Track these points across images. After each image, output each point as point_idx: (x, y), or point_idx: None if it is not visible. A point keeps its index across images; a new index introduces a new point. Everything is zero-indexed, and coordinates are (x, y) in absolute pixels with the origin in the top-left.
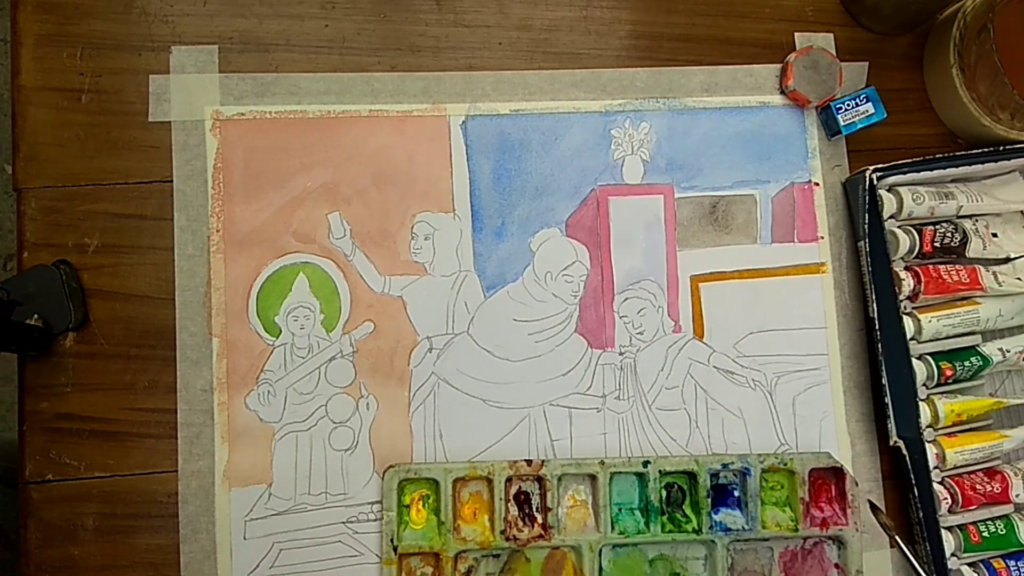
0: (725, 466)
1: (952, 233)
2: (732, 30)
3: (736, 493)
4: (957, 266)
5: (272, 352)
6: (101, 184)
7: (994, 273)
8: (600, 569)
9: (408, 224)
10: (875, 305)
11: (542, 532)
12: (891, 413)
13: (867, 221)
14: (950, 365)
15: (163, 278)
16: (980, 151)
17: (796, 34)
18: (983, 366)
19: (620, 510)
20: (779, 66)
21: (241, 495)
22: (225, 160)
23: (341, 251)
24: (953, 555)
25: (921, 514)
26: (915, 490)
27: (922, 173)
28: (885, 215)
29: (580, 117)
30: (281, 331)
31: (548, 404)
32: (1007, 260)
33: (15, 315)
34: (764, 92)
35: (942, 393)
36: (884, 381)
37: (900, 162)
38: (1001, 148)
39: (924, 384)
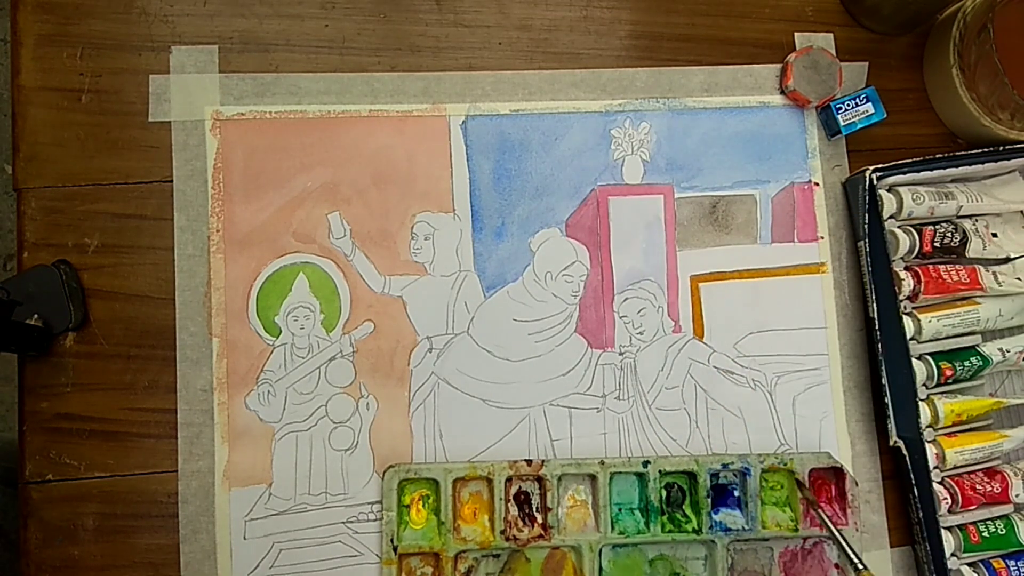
0: (725, 466)
1: (952, 233)
2: (732, 30)
3: (736, 493)
4: (957, 266)
5: (272, 352)
6: (101, 184)
7: (994, 273)
8: (600, 569)
9: (408, 224)
10: (875, 305)
11: (542, 532)
12: (891, 413)
13: (867, 221)
14: (950, 365)
15: (163, 278)
16: (980, 151)
17: (796, 34)
18: (983, 366)
19: (620, 510)
20: (779, 66)
21: (241, 495)
22: (225, 160)
23: (341, 251)
24: (953, 555)
25: (921, 514)
26: (915, 490)
27: (922, 173)
28: (885, 215)
29: (580, 117)
30: (281, 331)
31: (548, 404)
32: (1007, 260)
33: (15, 315)
34: (764, 92)
35: (942, 393)
36: (884, 381)
37: (900, 162)
38: (1001, 148)
39: (924, 384)
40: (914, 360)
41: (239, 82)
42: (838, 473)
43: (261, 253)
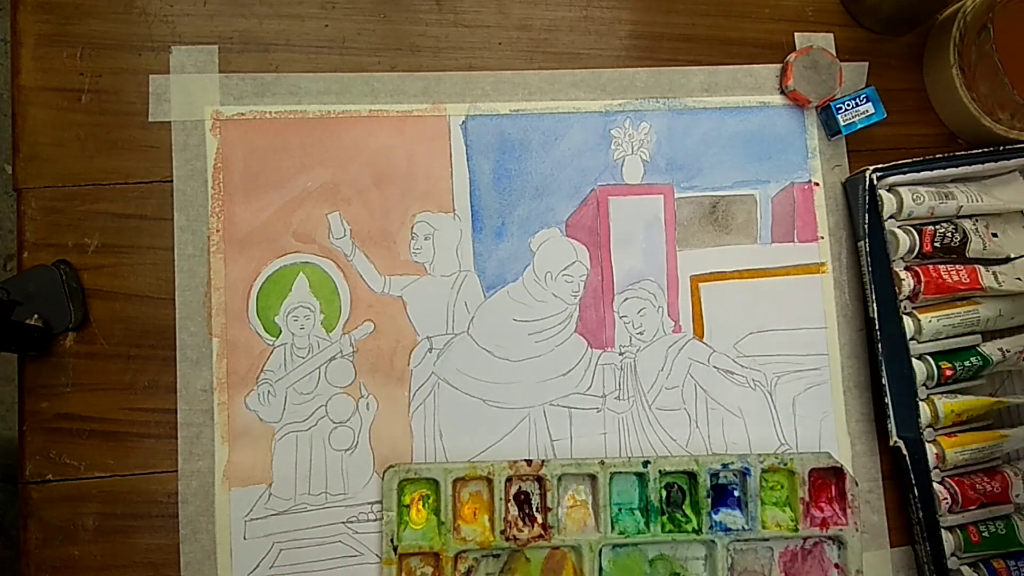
0: (725, 466)
1: (952, 233)
2: (732, 30)
3: (736, 493)
4: (957, 266)
5: (272, 352)
6: (101, 184)
7: (994, 273)
8: (600, 569)
9: (408, 224)
10: (875, 305)
11: (542, 532)
12: (891, 413)
13: (867, 221)
14: (950, 365)
15: (163, 278)
16: (980, 151)
17: (796, 34)
18: (983, 366)
19: (620, 510)
20: (779, 66)
21: (241, 495)
22: (225, 160)
23: (341, 251)
24: (953, 555)
25: (921, 514)
26: (915, 490)
27: (922, 173)
28: (885, 215)
29: (580, 117)
30: (281, 331)
31: (548, 404)
32: (1007, 260)
33: (15, 315)
34: (764, 92)
35: (942, 393)
36: (884, 381)
37: (900, 162)
38: (1001, 148)
39: (924, 384)
40: (914, 360)
41: (239, 82)
42: (838, 473)
43: (261, 253)
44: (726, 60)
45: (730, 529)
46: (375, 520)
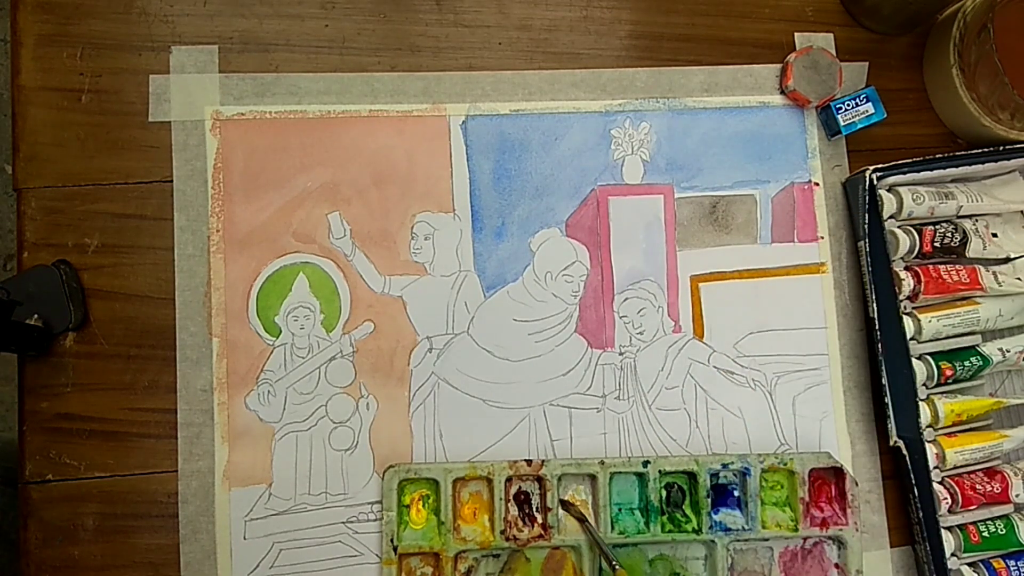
0: (725, 466)
1: (952, 233)
2: (732, 30)
3: (736, 493)
4: (957, 266)
5: (272, 352)
6: (101, 184)
7: (994, 273)
8: (600, 569)
9: (408, 224)
10: (875, 305)
11: (542, 532)
12: (891, 413)
13: (867, 221)
14: (950, 365)
15: (163, 278)
16: (980, 151)
17: (796, 34)
18: (983, 366)
19: (620, 510)
20: (779, 66)
21: (241, 495)
22: (225, 160)
23: (341, 251)
24: (953, 555)
25: (921, 514)
26: (915, 490)
27: (922, 173)
28: (885, 215)
29: (580, 117)
30: (281, 331)
31: (548, 404)
32: (1007, 260)
33: (15, 315)
34: (764, 92)
35: (942, 393)
36: (884, 381)
37: (900, 162)
38: (1001, 148)
39: (924, 384)
40: (914, 360)
41: (239, 82)
42: (838, 473)
43: (261, 253)
44: (726, 60)
45: (730, 529)
46: (375, 520)
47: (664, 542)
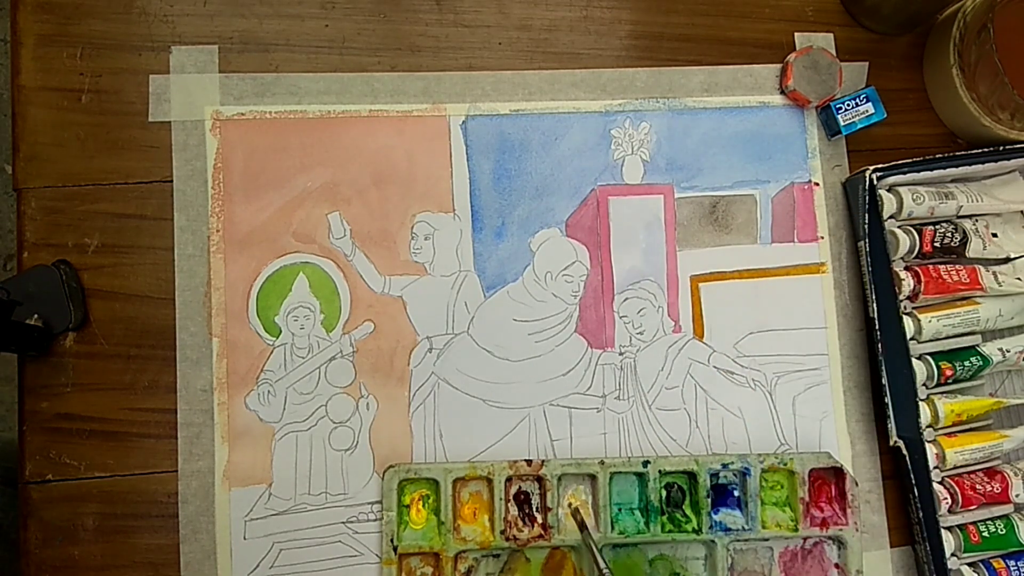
0: (725, 466)
1: (952, 233)
2: (732, 30)
3: (736, 493)
4: (957, 266)
5: (272, 352)
6: (101, 184)
7: (994, 273)
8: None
9: (408, 224)
10: (875, 305)
11: (542, 532)
12: (891, 413)
13: (867, 221)
14: (950, 365)
15: (163, 278)
16: (980, 151)
17: (796, 34)
18: (983, 366)
19: (620, 510)
20: (779, 66)
21: (241, 495)
22: (225, 160)
23: (341, 251)
24: (953, 555)
25: (921, 514)
26: (915, 490)
27: (922, 173)
28: (885, 215)
29: (580, 117)
30: (281, 331)
31: (548, 404)
32: (1007, 260)
33: (15, 315)
34: (764, 92)
35: (942, 393)
36: (884, 381)
37: (900, 162)
38: (1001, 148)
39: (924, 384)
40: (914, 360)
41: (239, 82)
42: (838, 473)
43: (261, 253)
44: (726, 60)
45: (730, 529)
46: (375, 520)
47: (664, 542)
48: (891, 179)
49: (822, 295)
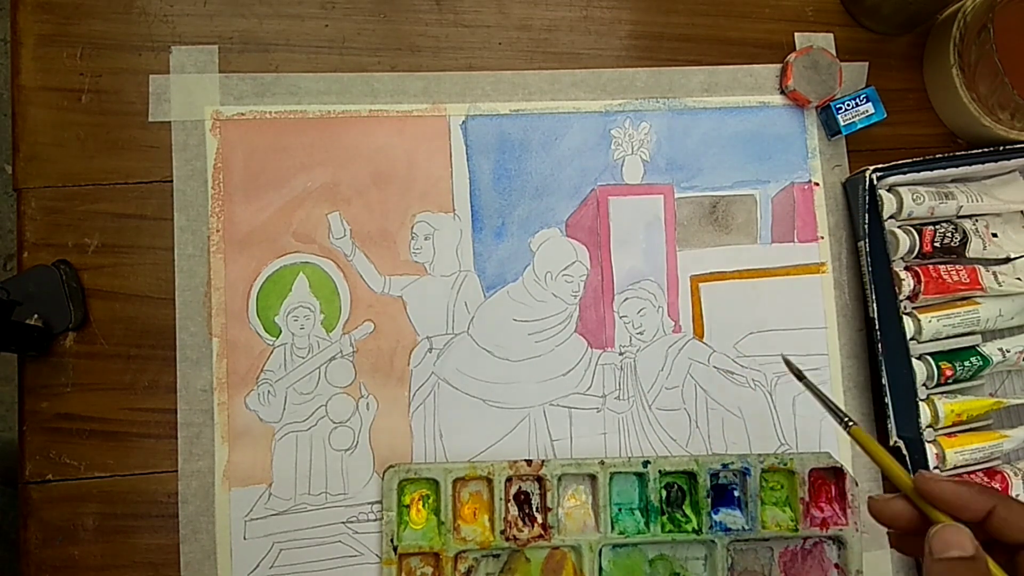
0: (725, 466)
1: (952, 233)
2: (732, 30)
3: (736, 493)
4: (957, 266)
5: (272, 352)
6: (101, 184)
7: (994, 273)
8: (600, 569)
9: (408, 224)
10: (875, 305)
11: (542, 532)
12: (891, 413)
13: (867, 221)
14: (950, 365)
15: (163, 278)
16: (980, 151)
17: (796, 34)
18: (983, 366)
19: (620, 510)
20: (779, 66)
21: (241, 495)
22: (225, 160)
23: (341, 251)
24: None
25: None
26: None
27: (922, 173)
28: (885, 215)
29: (580, 117)
30: (281, 331)
31: (548, 404)
32: (1007, 260)
33: (15, 315)
34: (764, 92)
35: (942, 393)
36: (884, 381)
37: (900, 162)
38: (1001, 148)
39: (924, 384)
40: (914, 360)
41: (239, 82)
42: (838, 473)
43: (261, 253)
44: (726, 60)
45: (730, 529)
46: (375, 520)
47: (664, 542)
48: (891, 179)
49: (822, 295)
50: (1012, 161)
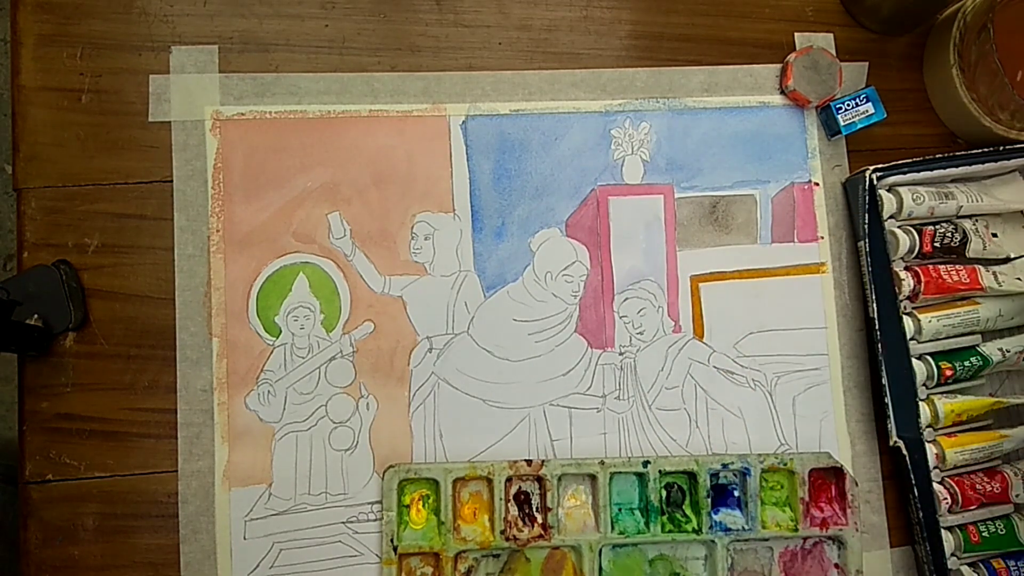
0: (725, 466)
1: (952, 233)
2: (732, 30)
3: (736, 493)
4: (957, 266)
5: (272, 352)
6: (101, 184)
7: (994, 273)
8: (600, 569)
9: (408, 224)
10: (875, 305)
11: (542, 532)
12: (891, 413)
13: (867, 221)
14: (950, 365)
15: (163, 278)
16: (980, 151)
17: (796, 34)
18: (983, 366)
19: (620, 510)
20: (779, 66)
21: (241, 495)
22: (225, 160)
23: (341, 251)
24: (953, 555)
25: (921, 514)
26: (915, 490)
27: (922, 173)
28: (885, 215)
29: (580, 117)
30: (281, 331)
31: (548, 404)
32: (1007, 260)
33: (15, 315)
34: (764, 92)
35: (942, 393)
36: (884, 381)
37: (900, 162)
38: (1001, 148)
39: (924, 384)
40: (914, 360)
41: (239, 82)
42: (838, 473)
43: (261, 253)
44: (726, 60)
45: (730, 529)
46: (375, 520)
47: (664, 542)
48: (891, 179)
49: (822, 295)
50: (1012, 161)
